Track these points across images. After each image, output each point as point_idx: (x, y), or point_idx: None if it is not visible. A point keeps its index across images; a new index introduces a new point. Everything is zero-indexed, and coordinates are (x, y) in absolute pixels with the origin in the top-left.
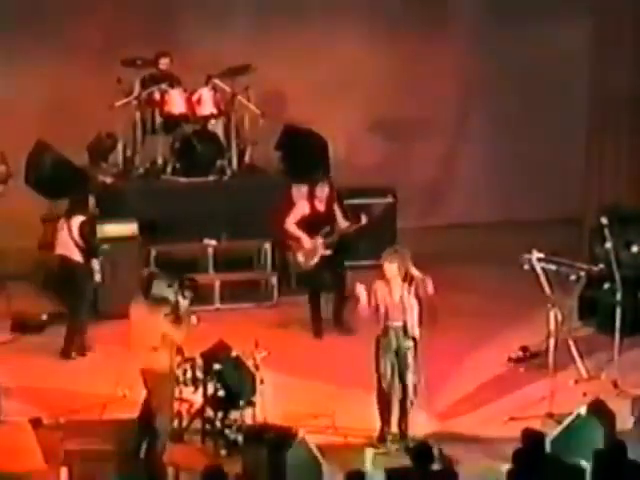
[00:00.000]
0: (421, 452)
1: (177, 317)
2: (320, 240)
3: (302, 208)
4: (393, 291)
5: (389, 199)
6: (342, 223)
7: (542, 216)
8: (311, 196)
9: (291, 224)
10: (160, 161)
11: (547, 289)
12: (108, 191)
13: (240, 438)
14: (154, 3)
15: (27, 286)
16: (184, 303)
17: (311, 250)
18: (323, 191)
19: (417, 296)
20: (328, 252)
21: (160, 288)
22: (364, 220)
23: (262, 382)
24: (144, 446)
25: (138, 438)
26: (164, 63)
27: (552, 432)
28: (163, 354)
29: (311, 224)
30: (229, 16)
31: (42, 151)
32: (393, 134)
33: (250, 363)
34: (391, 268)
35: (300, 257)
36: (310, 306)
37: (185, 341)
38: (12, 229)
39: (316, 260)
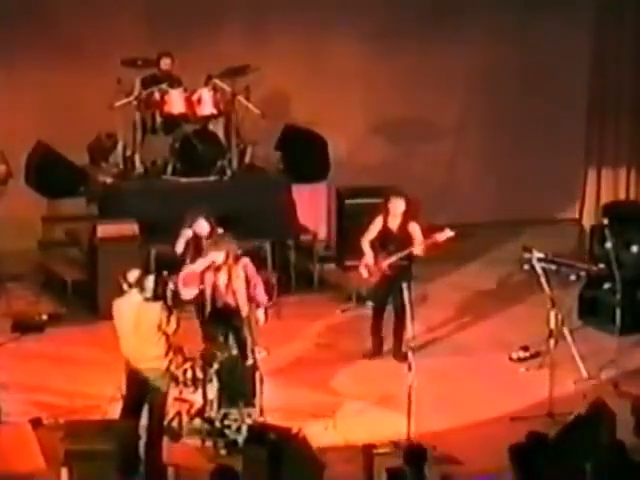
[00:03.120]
0: (414, 453)
1: (170, 311)
2: (385, 258)
3: (376, 226)
4: (220, 276)
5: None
6: (420, 243)
7: (542, 216)
8: (385, 210)
9: (365, 242)
10: (160, 161)
11: (547, 289)
12: (108, 191)
13: (240, 438)
14: (154, 3)
15: (27, 286)
16: (169, 296)
17: (374, 268)
18: (395, 207)
19: (246, 278)
20: (389, 271)
21: (150, 284)
22: (439, 238)
23: (262, 382)
24: (142, 445)
25: (135, 437)
26: (165, 63)
27: (552, 432)
28: (161, 352)
29: (383, 241)
30: (229, 16)
31: (42, 151)
32: (393, 134)
33: (250, 363)
34: (219, 256)
35: (363, 273)
36: (371, 325)
37: (184, 340)
38: (12, 229)
39: (376, 278)
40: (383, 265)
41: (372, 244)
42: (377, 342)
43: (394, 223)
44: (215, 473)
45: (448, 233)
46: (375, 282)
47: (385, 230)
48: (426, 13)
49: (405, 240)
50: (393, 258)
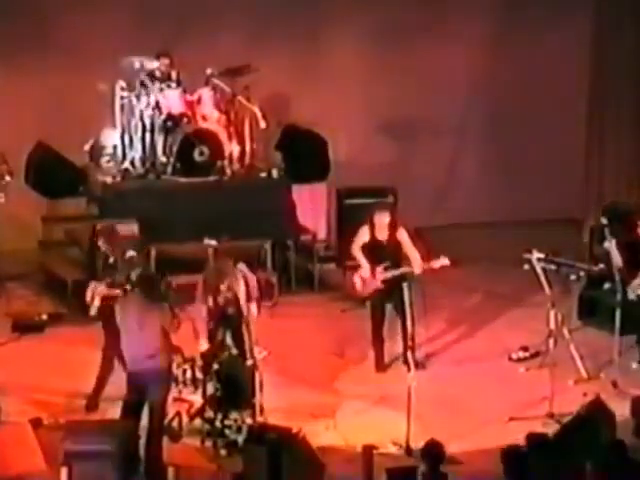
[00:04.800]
0: (432, 452)
1: (172, 311)
2: (379, 272)
3: (363, 235)
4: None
5: (389, 199)
6: (414, 258)
7: (542, 216)
8: (371, 224)
9: (357, 250)
10: (160, 161)
11: (547, 289)
12: (108, 191)
13: (240, 438)
14: (154, 3)
15: (27, 286)
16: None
17: (368, 280)
18: (381, 219)
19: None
20: (381, 286)
21: (161, 286)
22: (435, 265)
23: (262, 382)
24: (142, 446)
25: (135, 437)
26: (164, 63)
27: (552, 432)
28: (163, 353)
29: (373, 253)
30: (229, 16)
31: (42, 151)
32: (393, 134)
33: (250, 363)
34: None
35: (358, 284)
36: (372, 339)
37: (183, 340)
38: (12, 229)
39: (370, 291)
40: (378, 281)
41: (362, 252)
42: (379, 354)
43: (382, 235)
44: None
45: (444, 261)
46: (369, 294)
47: (374, 242)
48: (426, 13)
49: (396, 249)
50: (388, 275)
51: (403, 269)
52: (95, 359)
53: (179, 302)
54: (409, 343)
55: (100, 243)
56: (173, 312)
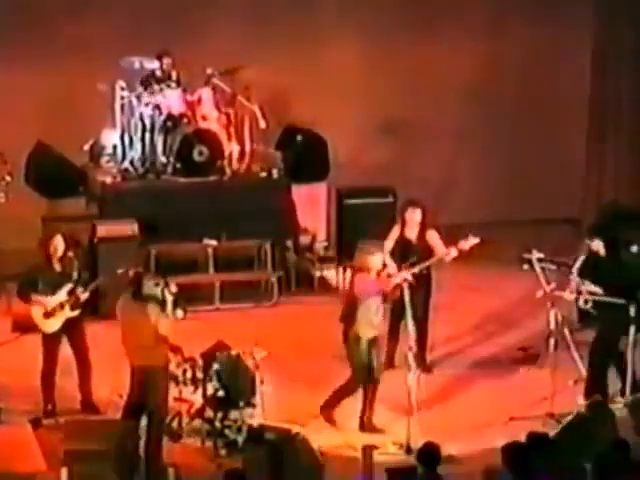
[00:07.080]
0: (428, 454)
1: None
2: (406, 270)
3: (393, 235)
4: None
5: (389, 199)
6: (441, 252)
7: (542, 216)
8: (402, 220)
9: (386, 253)
10: (160, 161)
11: (547, 289)
12: (108, 191)
13: (240, 438)
14: (154, 3)
15: None
16: (170, 299)
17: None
18: (412, 216)
19: None
20: (413, 281)
21: (149, 287)
22: (454, 252)
23: (262, 382)
24: (142, 445)
25: (134, 437)
26: (165, 63)
27: (552, 432)
28: (158, 351)
29: (403, 253)
30: (229, 16)
31: (42, 151)
32: (393, 134)
33: (250, 363)
34: (375, 260)
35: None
36: (388, 336)
37: (183, 340)
38: (12, 229)
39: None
40: (409, 275)
41: (391, 254)
42: (391, 352)
43: (412, 234)
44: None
45: (473, 240)
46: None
47: (403, 241)
48: (426, 14)
49: (425, 250)
50: (422, 267)
51: (437, 256)
52: (95, 359)
53: (179, 303)
54: (409, 344)
55: (58, 249)
56: (174, 313)
